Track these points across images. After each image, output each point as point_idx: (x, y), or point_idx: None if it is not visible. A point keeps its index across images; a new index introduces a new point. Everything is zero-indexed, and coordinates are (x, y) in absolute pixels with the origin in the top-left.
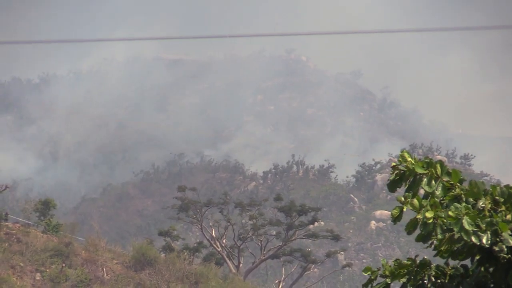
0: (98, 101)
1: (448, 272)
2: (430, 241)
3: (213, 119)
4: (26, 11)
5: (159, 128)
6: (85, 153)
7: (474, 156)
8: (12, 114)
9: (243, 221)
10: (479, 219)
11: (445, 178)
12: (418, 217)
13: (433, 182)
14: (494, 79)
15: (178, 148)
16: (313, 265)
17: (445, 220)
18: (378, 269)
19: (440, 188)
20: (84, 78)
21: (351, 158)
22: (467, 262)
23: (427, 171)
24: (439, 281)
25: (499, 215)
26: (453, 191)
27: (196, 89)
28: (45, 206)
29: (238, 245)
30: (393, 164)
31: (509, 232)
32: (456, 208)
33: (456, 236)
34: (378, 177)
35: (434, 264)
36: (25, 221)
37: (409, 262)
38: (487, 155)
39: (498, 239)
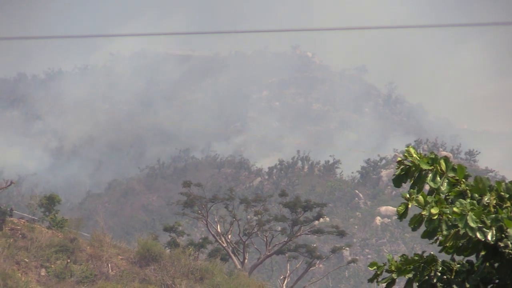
0: (104, 96)
1: (454, 268)
2: (435, 237)
3: (218, 115)
4: (31, 7)
5: (165, 123)
6: (91, 149)
7: (479, 152)
8: (17, 110)
9: (248, 216)
10: (484, 215)
11: (450, 174)
12: (423, 213)
13: (438, 178)
14: (500, 76)
15: (183, 143)
16: (318, 261)
17: (450, 216)
18: (384, 264)
19: (445, 184)
20: (90, 73)
21: (356, 153)
22: (472, 257)
23: (432, 166)
24: (445, 276)
25: (504, 211)
26: (458, 187)
27: (202, 85)
28: (50, 202)
29: (243, 240)
30: (399, 159)
31: None
32: (461, 204)
33: (461, 232)
34: (383, 172)
35: (440, 260)
36: (30, 216)
37: (416, 258)
38: (492, 151)
39: (503, 235)
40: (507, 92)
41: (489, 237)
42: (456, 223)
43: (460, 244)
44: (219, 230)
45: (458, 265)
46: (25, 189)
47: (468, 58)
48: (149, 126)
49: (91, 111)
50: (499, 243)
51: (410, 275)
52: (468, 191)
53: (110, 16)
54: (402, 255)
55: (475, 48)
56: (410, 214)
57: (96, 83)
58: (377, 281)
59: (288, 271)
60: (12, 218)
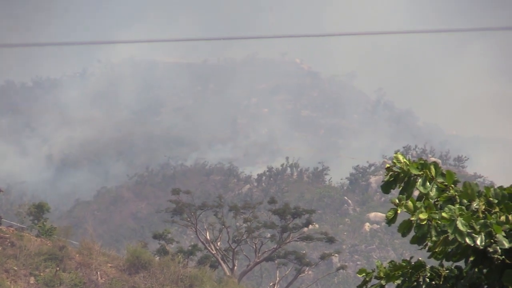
0: (93, 104)
1: (443, 274)
2: (424, 243)
3: (207, 121)
4: (19, 14)
5: (154, 131)
6: (79, 156)
7: (468, 158)
8: (6, 118)
9: (238, 223)
10: (473, 221)
11: (440, 180)
12: (412, 219)
13: (428, 183)
14: (490, 82)
15: (172, 150)
16: (307, 268)
17: (439, 222)
18: (373, 271)
19: (434, 190)
20: (78, 81)
21: (345, 160)
22: (461, 263)
23: (422, 172)
24: (433, 282)
25: (493, 216)
26: (447, 192)
27: (190, 92)
28: (39, 210)
29: (233, 248)
30: (387, 165)
31: (503, 234)
32: (450, 209)
33: (450, 237)
34: (372, 179)
35: (428, 266)
36: (19, 224)
37: (404, 264)
38: (481, 157)
39: (492, 240)
40: (496, 98)
41: (478, 243)
42: (445, 228)
43: (449, 250)
44: (208, 237)
45: (447, 271)
46: (14, 197)
47: (457, 64)
48: (138, 133)
49: (80, 118)
50: (488, 249)
51: (399, 281)
52: (457, 196)
53: (98, 25)
54: (391, 261)
55: (465, 54)
56: (400, 220)
57: (85, 90)
58: None
59: (278, 278)
60: (0, 227)
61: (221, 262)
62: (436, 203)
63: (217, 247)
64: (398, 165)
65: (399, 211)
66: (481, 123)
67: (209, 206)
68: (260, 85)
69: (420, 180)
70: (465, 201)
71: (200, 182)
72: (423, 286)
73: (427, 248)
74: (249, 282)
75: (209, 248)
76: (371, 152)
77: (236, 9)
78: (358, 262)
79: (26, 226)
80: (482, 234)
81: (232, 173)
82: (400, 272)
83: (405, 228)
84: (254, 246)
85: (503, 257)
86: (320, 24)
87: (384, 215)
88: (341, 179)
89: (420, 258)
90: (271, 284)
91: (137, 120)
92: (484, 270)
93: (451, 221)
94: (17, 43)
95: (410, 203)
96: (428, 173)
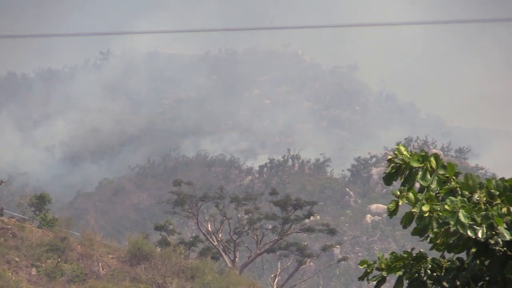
0: (95, 95)
1: (444, 265)
2: (426, 234)
3: (209, 113)
4: (21, 6)
5: (155, 122)
6: (81, 147)
7: (469, 150)
8: (7, 109)
9: (239, 215)
10: (474, 213)
11: (441, 172)
12: (413, 210)
13: (428, 175)
14: (493, 75)
15: (174, 142)
16: (309, 259)
17: (441, 214)
18: (374, 262)
19: (435, 182)
20: (80, 72)
21: (346, 151)
22: (463, 255)
23: (423, 164)
24: (435, 274)
25: (494, 208)
26: (448, 184)
27: (192, 84)
28: (41, 201)
29: (234, 239)
30: (389, 157)
31: (505, 226)
32: (452, 201)
33: (452, 229)
34: (374, 170)
35: (430, 257)
36: (20, 216)
37: (406, 255)
38: (483, 148)
39: (493, 232)
40: (499, 90)
41: (479, 235)
42: (447, 220)
43: (451, 242)
44: (209, 228)
45: (448, 262)
46: (16, 188)
47: (460, 56)
48: (140, 124)
49: (82, 110)
50: (490, 241)
51: (400, 273)
52: (458, 188)
53: (99, 15)
54: (392, 253)
55: (467, 46)
56: (401, 212)
57: (87, 82)
58: (367, 279)
59: (279, 269)
60: (2, 218)
61: (223, 253)
62: (438, 195)
63: (219, 239)
64: (400, 156)
65: (400, 203)
66: (483, 115)
67: (211, 197)
68: (262, 76)
69: (420, 173)
70: (466, 193)
71: (202, 174)
72: (425, 278)
73: (428, 240)
74: (250, 273)
75: (211, 240)
76: (373, 143)
77: (237, 0)
78: (360, 254)
79: (27, 217)
80: (484, 226)
81: (233, 164)
82: (401, 264)
83: (406, 220)
84: (255, 238)
85: (505, 249)
86: (322, 16)
87: (385, 206)
88: (343, 170)
89: (421, 250)
90: (272, 275)
91: (139, 111)
92: (486, 262)
93: (453, 213)
94: (17, 35)
95: (411, 195)
96: (429, 165)
